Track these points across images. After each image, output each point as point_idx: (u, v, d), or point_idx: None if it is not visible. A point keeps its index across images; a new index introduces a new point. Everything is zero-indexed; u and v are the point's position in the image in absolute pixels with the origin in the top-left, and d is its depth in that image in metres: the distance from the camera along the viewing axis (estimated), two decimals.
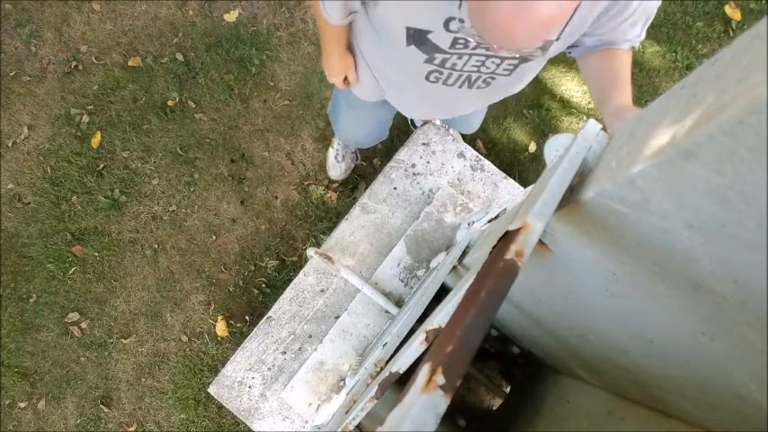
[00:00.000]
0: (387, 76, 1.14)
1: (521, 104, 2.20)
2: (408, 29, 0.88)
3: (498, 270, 0.42)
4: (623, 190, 0.40)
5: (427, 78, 1.01)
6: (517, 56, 0.88)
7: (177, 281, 2.14)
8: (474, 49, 0.89)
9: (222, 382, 1.57)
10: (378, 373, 0.91)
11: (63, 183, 2.20)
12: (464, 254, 1.13)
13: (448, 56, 0.91)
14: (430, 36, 0.87)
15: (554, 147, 0.58)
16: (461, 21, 0.77)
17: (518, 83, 1.06)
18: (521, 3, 0.60)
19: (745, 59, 0.30)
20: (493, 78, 0.99)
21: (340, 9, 0.97)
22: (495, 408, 1.63)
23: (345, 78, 1.23)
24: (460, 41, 0.87)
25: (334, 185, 2.16)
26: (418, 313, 0.99)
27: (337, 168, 2.09)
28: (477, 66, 0.94)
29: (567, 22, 0.78)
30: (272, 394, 1.55)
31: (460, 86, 1.02)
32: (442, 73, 0.98)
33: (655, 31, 2.22)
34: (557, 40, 0.85)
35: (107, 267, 2.16)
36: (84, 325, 2.13)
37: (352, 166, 2.13)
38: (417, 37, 0.89)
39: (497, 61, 0.93)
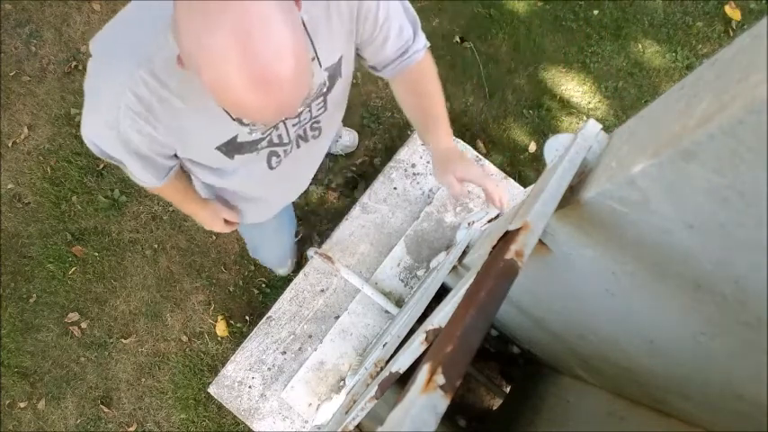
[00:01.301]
0: (248, 194, 1.13)
1: (521, 104, 2.20)
2: (218, 148, 0.86)
3: (498, 270, 0.42)
4: (623, 190, 0.40)
5: (270, 166, 0.99)
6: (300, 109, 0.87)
7: (177, 281, 2.14)
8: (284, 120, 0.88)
9: (222, 382, 1.57)
10: (378, 373, 0.91)
11: (63, 183, 2.20)
12: (464, 254, 1.13)
13: (267, 136, 0.90)
14: (239, 139, 0.86)
15: (554, 147, 0.58)
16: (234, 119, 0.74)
17: (341, 104, 1.03)
18: (260, 92, 0.57)
19: (745, 59, 0.30)
20: (318, 122, 0.97)
21: (155, 172, 0.93)
22: (495, 408, 1.63)
23: (226, 221, 1.20)
24: None
25: (334, 185, 2.16)
26: (418, 313, 0.99)
27: (285, 267, 2.04)
28: (295, 124, 0.93)
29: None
30: (272, 394, 1.55)
31: (299, 146, 1.00)
32: (277, 154, 0.97)
33: (655, 31, 2.23)
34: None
35: (107, 267, 2.16)
36: (84, 325, 2.13)
37: (297, 256, 2.08)
38: (231, 147, 0.87)
39: (307, 111, 0.92)
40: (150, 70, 0.72)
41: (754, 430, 0.51)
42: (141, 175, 0.93)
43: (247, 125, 0.77)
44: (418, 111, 1.01)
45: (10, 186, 2.21)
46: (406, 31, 0.92)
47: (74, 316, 2.13)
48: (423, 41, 0.97)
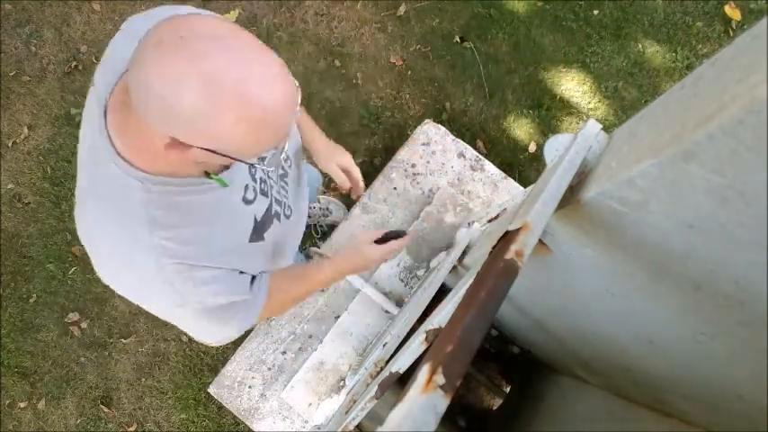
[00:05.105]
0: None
1: (521, 104, 2.20)
2: (251, 239, 0.86)
3: (498, 270, 0.42)
4: (623, 190, 0.40)
5: (286, 216, 1.01)
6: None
7: None
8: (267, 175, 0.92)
9: (222, 382, 1.57)
10: (378, 373, 0.91)
11: (63, 183, 2.20)
12: (464, 254, 1.13)
13: (271, 196, 0.92)
14: (258, 218, 0.87)
15: (554, 147, 0.58)
16: (261, 160, 0.75)
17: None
18: (284, 97, 0.58)
19: (745, 59, 0.30)
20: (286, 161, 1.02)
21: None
22: (495, 408, 1.62)
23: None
24: (261, 187, 0.88)
25: (334, 184, 2.16)
26: (418, 313, 0.99)
27: None
28: (274, 174, 0.96)
29: None
30: (272, 394, 1.55)
31: (287, 189, 1.04)
32: (280, 204, 0.99)
33: (655, 31, 2.23)
34: None
35: None
36: (84, 325, 2.13)
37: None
38: (259, 229, 0.88)
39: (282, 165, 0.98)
40: (160, 225, 0.69)
41: (754, 430, 0.51)
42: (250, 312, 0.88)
43: (262, 159, 0.78)
44: (302, 115, 1.12)
45: (10, 186, 2.21)
46: None
47: (74, 316, 2.13)
48: None
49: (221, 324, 0.85)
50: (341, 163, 1.17)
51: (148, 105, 0.56)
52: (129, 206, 0.68)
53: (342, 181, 1.15)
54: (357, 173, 1.19)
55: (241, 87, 0.54)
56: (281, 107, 0.58)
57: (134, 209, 0.68)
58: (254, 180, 0.86)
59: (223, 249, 0.78)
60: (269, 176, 0.93)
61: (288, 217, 1.02)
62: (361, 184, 1.20)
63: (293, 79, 0.62)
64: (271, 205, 0.92)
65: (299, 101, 0.69)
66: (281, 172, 1.01)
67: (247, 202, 0.84)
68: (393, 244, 1.02)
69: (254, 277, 0.89)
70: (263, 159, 0.79)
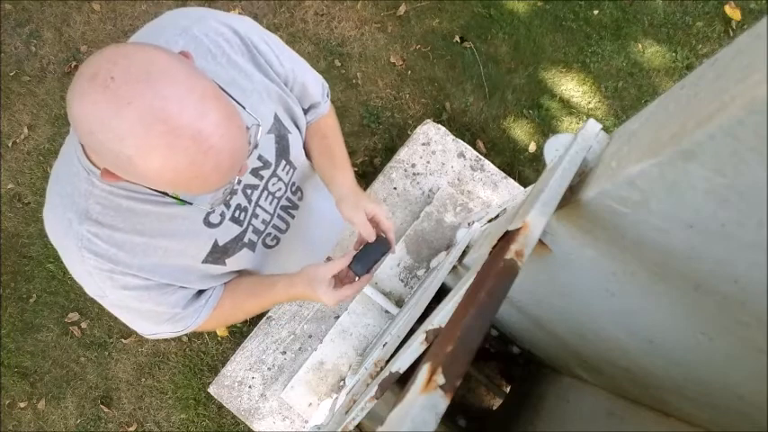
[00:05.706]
0: (272, 270, 1.06)
1: (521, 104, 2.20)
2: (206, 260, 0.83)
3: (498, 270, 0.42)
4: (623, 190, 0.40)
5: (268, 245, 0.97)
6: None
7: None
8: (249, 191, 0.87)
9: (222, 382, 1.58)
10: (378, 373, 0.91)
11: None
12: (464, 254, 1.13)
13: (247, 225, 0.89)
14: (220, 243, 0.84)
15: (554, 147, 0.58)
16: (183, 200, 0.72)
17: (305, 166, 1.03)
18: (199, 155, 0.55)
19: (745, 59, 0.30)
20: (294, 184, 0.97)
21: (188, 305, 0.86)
22: (495, 408, 1.62)
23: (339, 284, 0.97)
24: (234, 214, 0.85)
25: None
26: (418, 313, 0.99)
27: None
28: (271, 200, 0.93)
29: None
30: (272, 394, 1.55)
31: (292, 216, 1.00)
32: (268, 234, 0.95)
33: (655, 31, 2.23)
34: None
35: None
36: (84, 325, 2.13)
37: None
38: (218, 254, 0.85)
39: (277, 180, 0.91)
40: (93, 219, 0.70)
41: (754, 430, 0.51)
42: (187, 316, 0.86)
43: (211, 201, 0.76)
44: (327, 150, 1.03)
45: (10, 186, 2.21)
46: (320, 81, 1.00)
47: (74, 316, 2.13)
48: (327, 100, 1.05)
49: (149, 323, 0.84)
50: (372, 212, 0.94)
51: (82, 135, 0.56)
52: (73, 192, 0.70)
53: (369, 234, 0.91)
54: (389, 224, 0.97)
55: (167, 136, 0.53)
56: (214, 157, 0.56)
57: (76, 196, 0.70)
58: (227, 206, 0.83)
59: (161, 264, 0.77)
60: (258, 205, 0.89)
61: (269, 246, 0.98)
62: (392, 235, 0.97)
63: (245, 121, 0.61)
64: (243, 233, 0.88)
65: (256, 141, 0.67)
66: (284, 203, 0.97)
67: (210, 225, 0.81)
68: (349, 290, 0.91)
69: (201, 290, 0.88)
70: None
